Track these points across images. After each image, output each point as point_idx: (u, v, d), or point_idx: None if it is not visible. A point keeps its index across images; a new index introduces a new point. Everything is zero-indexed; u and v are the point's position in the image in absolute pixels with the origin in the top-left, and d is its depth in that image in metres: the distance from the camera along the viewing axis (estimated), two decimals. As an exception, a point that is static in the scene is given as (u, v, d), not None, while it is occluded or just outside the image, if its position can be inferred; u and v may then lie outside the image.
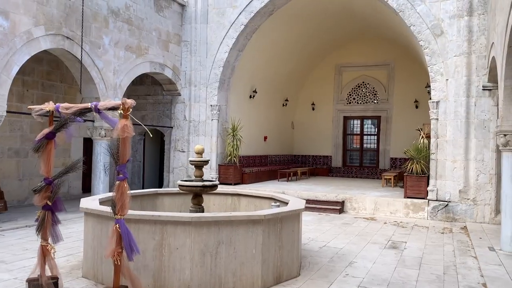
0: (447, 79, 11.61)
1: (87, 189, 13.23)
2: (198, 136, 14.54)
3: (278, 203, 6.86)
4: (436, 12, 11.76)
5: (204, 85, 14.53)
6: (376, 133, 20.05)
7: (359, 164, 20.25)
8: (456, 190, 11.30)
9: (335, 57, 20.41)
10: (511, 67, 7.40)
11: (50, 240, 4.89)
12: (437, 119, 11.72)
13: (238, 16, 14.07)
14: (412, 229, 10.04)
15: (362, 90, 20.28)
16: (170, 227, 5.16)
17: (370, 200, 12.11)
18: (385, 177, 15.40)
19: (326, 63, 20.60)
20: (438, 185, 11.59)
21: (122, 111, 4.50)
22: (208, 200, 8.15)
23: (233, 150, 14.40)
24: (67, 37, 10.16)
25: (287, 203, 6.89)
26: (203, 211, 6.79)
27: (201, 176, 6.78)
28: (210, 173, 14.41)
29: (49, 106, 4.83)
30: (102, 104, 4.57)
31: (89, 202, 6.08)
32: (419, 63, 18.84)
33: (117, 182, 4.52)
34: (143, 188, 15.67)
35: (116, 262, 4.45)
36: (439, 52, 11.71)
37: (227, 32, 14.24)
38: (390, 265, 6.78)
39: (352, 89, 20.41)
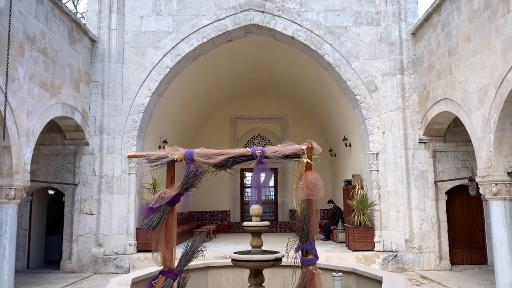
0: (383, 132, 12.13)
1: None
2: (112, 194, 12.03)
3: (340, 273, 5.72)
4: (370, 69, 12.39)
5: (120, 133, 12.31)
6: (273, 185, 19.93)
7: (257, 218, 19.66)
8: (402, 239, 11.57)
9: (230, 109, 20.03)
10: (503, 120, 7.94)
11: None
12: (378, 170, 12.04)
13: (162, 58, 12.54)
14: (386, 284, 9.73)
15: (258, 142, 20.18)
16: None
17: (322, 256, 11.50)
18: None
19: (221, 115, 20.04)
20: (384, 235, 11.73)
21: (308, 159, 3.09)
22: (218, 275, 6.48)
23: (154, 209, 12.29)
24: (-21, 64, 7.39)
25: (349, 272, 5.83)
26: (264, 293, 5.23)
27: (261, 245, 5.27)
28: (127, 238, 11.97)
29: (174, 152, 3.07)
30: (273, 149, 3.11)
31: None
32: (310, 118, 19.83)
33: (308, 267, 3.00)
34: (28, 265, 12.12)
35: None
36: (375, 106, 12.25)
37: (148, 74, 12.51)
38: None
39: (248, 141, 20.19)
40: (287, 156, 3.09)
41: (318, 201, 3.11)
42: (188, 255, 3.16)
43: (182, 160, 3.20)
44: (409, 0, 12.32)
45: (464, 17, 9.17)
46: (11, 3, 8.05)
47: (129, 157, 3.33)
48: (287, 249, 3.84)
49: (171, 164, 3.19)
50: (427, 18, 10.99)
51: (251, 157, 3.09)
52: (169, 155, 3.12)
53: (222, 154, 3.09)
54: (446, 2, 10.01)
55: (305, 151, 3.05)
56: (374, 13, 12.51)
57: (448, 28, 9.96)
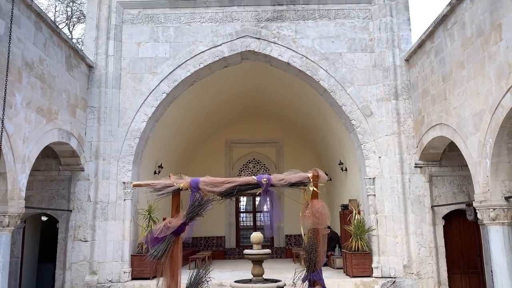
0: (379, 157, 12.16)
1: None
2: (107, 220, 11.86)
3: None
4: (365, 95, 12.51)
5: (115, 158, 12.23)
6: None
7: (253, 243, 19.47)
8: (400, 265, 11.46)
9: (225, 133, 20.10)
10: (499, 145, 8.02)
11: None
12: (374, 195, 12.01)
13: (159, 84, 12.61)
14: (386, 311, 9.61)
15: (253, 167, 20.17)
16: None
17: (320, 283, 11.37)
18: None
19: (216, 139, 20.09)
20: (382, 261, 11.62)
21: (314, 188, 3.09)
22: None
23: (149, 235, 12.13)
24: (-23, 90, 7.38)
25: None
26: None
27: (262, 274, 5.19)
28: (122, 266, 11.74)
29: (180, 181, 3.06)
30: (279, 177, 3.18)
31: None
32: (306, 142, 19.91)
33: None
34: (19, 294, 11.84)
35: None
36: (370, 131, 12.32)
37: (145, 100, 12.54)
38: None
39: (244, 165, 20.18)
40: (293, 184, 3.11)
41: (322, 231, 3.08)
42: (193, 286, 3.10)
43: (187, 189, 3.17)
44: (402, 27, 12.57)
45: (457, 44, 9.35)
46: (10, 30, 8.10)
47: (134, 186, 3.31)
48: (294, 280, 3.78)
49: (176, 193, 3.16)
50: (420, 45, 11.19)
51: (256, 185, 3.09)
52: (174, 184, 3.10)
53: (228, 182, 3.08)
54: (439, 29, 10.22)
55: (311, 179, 3.03)
56: (368, 40, 12.72)
57: (441, 55, 10.14)
